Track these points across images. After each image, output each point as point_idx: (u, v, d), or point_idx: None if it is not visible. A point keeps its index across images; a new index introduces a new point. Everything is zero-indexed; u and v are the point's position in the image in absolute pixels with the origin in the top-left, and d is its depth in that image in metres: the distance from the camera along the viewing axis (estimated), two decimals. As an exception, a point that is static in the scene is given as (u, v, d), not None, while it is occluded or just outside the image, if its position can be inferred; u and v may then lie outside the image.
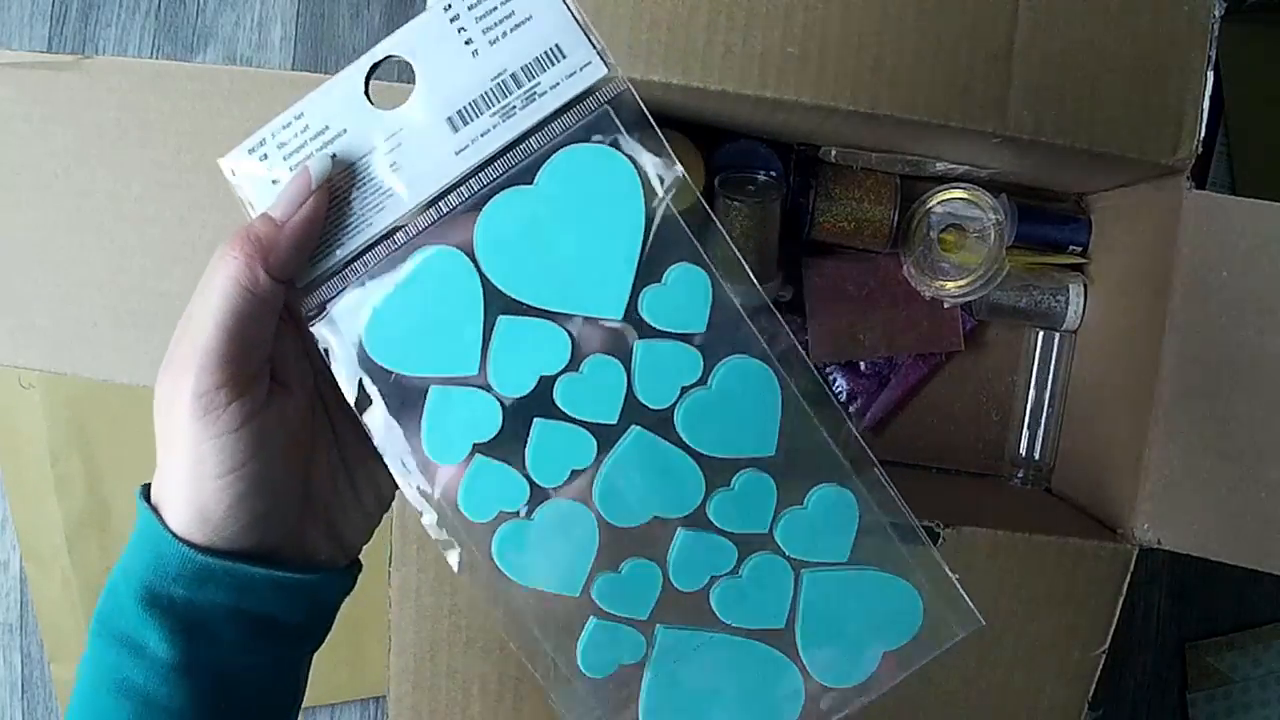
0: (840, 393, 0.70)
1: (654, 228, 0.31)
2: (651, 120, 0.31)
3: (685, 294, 0.32)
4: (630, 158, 0.31)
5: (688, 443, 0.32)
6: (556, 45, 0.31)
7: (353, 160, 0.32)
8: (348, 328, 0.32)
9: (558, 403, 0.32)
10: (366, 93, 0.32)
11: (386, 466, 0.33)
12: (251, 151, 0.32)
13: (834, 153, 0.63)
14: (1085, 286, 0.66)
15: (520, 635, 0.34)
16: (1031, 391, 0.68)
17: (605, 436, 0.32)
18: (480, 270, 0.31)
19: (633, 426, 0.32)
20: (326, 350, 0.32)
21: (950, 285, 0.65)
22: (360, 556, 0.37)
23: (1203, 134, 0.52)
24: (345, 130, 0.32)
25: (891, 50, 0.51)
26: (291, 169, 0.32)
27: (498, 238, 0.31)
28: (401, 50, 0.32)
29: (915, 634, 0.34)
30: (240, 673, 0.33)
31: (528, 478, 0.32)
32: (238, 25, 0.76)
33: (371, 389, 0.32)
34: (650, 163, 0.31)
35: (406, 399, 0.32)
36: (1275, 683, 0.73)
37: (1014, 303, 0.67)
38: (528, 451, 0.32)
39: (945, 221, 0.65)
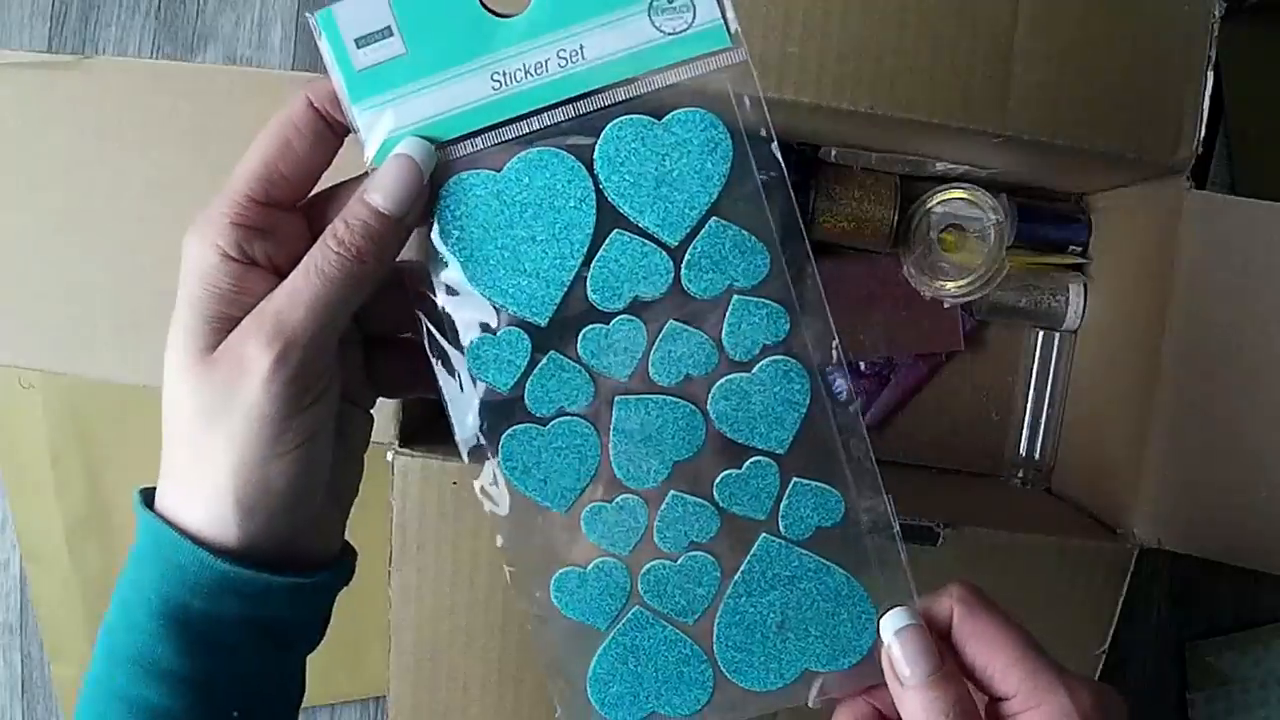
0: (840, 393, 0.70)
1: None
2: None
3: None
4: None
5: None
6: None
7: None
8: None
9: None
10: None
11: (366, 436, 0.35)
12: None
13: (834, 153, 0.63)
14: (1085, 286, 0.66)
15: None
16: (1031, 391, 0.68)
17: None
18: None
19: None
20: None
21: (950, 285, 0.65)
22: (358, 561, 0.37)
23: (1203, 134, 0.52)
24: None
25: (891, 50, 0.51)
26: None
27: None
28: None
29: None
30: (250, 678, 0.33)
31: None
32: (238, 25, 0.76)
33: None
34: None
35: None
36: (1275, 683, 0.73)
37: (1014, 303, 0.67)
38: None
39: (945, 221, 0.65)
